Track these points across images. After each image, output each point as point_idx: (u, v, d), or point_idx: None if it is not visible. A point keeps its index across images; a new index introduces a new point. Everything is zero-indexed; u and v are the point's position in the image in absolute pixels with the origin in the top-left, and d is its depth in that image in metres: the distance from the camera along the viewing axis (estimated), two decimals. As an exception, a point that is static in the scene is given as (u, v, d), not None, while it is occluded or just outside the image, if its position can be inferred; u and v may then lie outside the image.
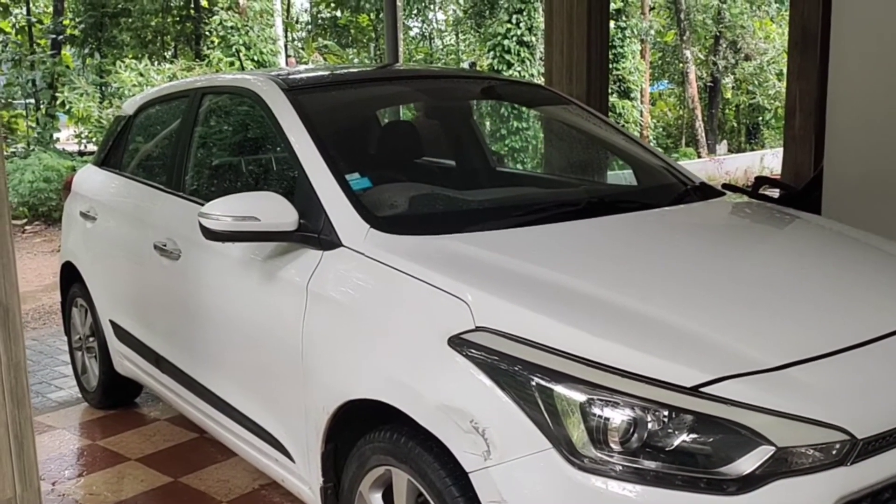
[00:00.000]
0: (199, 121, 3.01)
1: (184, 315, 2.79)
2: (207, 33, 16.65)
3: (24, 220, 11.35)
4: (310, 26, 21.64)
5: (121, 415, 3.75)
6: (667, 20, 21.12)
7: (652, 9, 19.62)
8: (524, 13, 14.13)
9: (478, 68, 17.90)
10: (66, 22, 17.29)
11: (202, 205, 2.71)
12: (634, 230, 2.32)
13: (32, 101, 17.55)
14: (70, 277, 3.89)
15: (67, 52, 18.19)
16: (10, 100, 16.67)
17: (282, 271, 2.26)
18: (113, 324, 3.45)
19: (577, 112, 3.32)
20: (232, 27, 11.70)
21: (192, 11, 17.86)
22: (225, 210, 2.20)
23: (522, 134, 11.68)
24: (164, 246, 2.87)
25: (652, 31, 18.09)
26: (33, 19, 18.26)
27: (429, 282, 1.84)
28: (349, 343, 1.99)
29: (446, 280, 1.82)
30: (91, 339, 3.79)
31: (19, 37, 18.32)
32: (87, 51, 17.10)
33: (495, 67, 14.22)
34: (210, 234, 2.22)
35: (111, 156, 3.75)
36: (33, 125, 16.85)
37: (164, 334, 3.00)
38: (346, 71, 3.63)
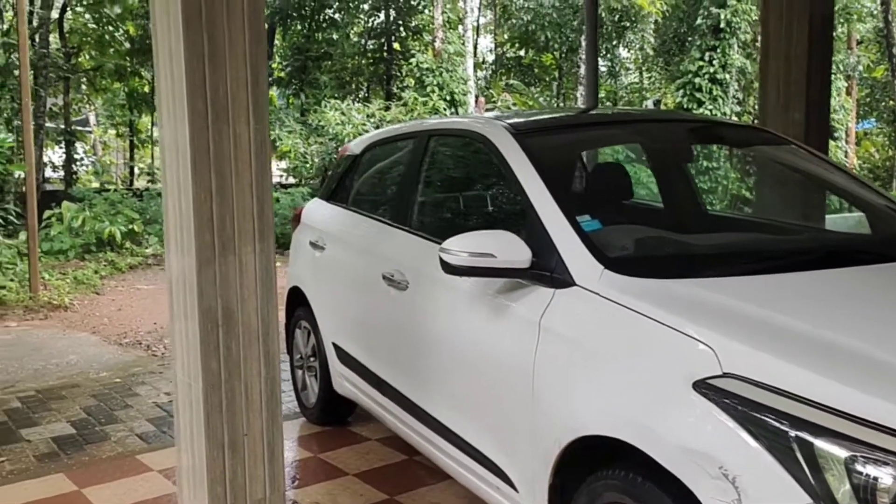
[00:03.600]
0: (427, 161, 3.22)
1: (409, 342, 2.97)
2: (398, 74, 17.65)
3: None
4: (493, 66, 22.26)
5: (336, 431, 4.03)
6: (876, 55, 19.64)
7: (859, 42, 18.36)
8: (717, 50, 13.73)
9: (662, 106, 17.55)
10: (275, 66, 18.99)
11: (430, 240, 2.91)
12: (881, 285, 2.21)
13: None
14: (295, 301, 4.26)
15: (273, 92, 19.91)
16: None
17: (513, 306, 2.37)
18: (336, 346, 3.74)
19: (801, 154, 3.21)
20: (427, 69, 12.32)
21: (385, 54, 19.03)
22: (463, 246, 2.35)
23: (713, 174, 11.28)
24: (392, 276, 3.08)
25: (860, 67, 16.90)
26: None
27: (671, 325, 1.87)
28: (584, 380, 2.05)
29: (690, 325, 1.84)
30: (312, 359, 4.11)
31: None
32: (291, 91, 18.64)
33: (684, 105, 13.89)
34: (448, 268, 2.37)
35: (338, 191, 4.09)
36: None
37: (387, 359, 3.21)
38: (565, 115, 3.73)
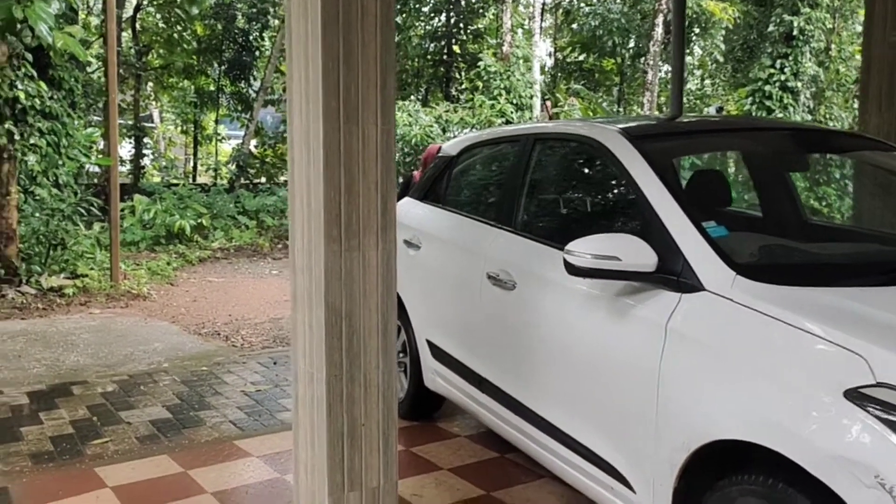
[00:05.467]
0: (532, 164, 3.26)
1: (516, 340, 3.02)
2: (457, 77, 17.73)
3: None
4: (552, 71, 22.22)
5: (423, 427, 4.10)
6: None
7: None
8: (789, 58, 13.48)
9: (724, 113, 17.27)
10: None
11: (540, 241, 2.95)
12: None
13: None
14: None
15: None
16: (284, 134, 18.90)
17: (635, 309, 2.40)
18: (430, 343, 3.80)
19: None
20: (494, 71, 12.38)
21: (445, 56, 19.14)
22: (587, 248, 2.38)
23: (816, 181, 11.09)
24: (498, 276, 3.13)
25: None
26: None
27: (816, 333, 1.88)
28: (718, 384, 2.07)
29: (839, 333, 1.84)
30: (401, 354, 4.19)
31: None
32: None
33: (753, 113, 13.67)
34: (572, 269, 2.41)
35: (433, 191, 4.16)
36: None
37: (489, 357, 3.25)
38: (675, 121, 3.73)
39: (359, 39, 2.47)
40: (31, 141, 8.53)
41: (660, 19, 14.02)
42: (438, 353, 3.72)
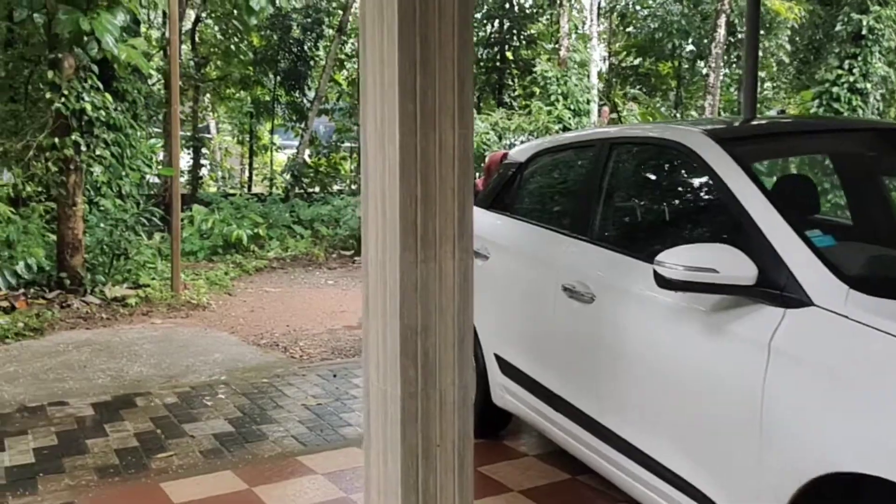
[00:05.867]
0: (609, 170, 3.11)
1: (594, 356, 2.86)
2: (510, 83, 17.58)
3: (352, 252, 12.74)
4: (607, 75, 21.93)
5: (490, 445, 3.95)
6: None
7: None
8: (858, 58, 12.97)
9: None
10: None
11: (621, 252, 2.79)
12: None
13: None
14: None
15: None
16: (338, 143, 19.00)
17: (733, 325, 2.22)
18: (498, 358, 3.66)
19: None
20: (551, 77, 12.20)
21: (498, 63, 19.03)
22: (680, 260, 2.22)
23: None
24: (574, 288, 2.98)
25: None
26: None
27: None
28: (833, 409, 1.88)
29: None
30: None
31: (350, 87, 20.92)
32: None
33: (819, 116, 13.18)
34: (663, 282, 2.25)
35: (499, 199, 4.03)
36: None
37: (564, 373, 3.10)
38: (752, 123, 3.54)
39: (436, 41, 2.36)
40: (97, 152, 8.69)
41: (722, 20, 13.65)
42: (507, 368, 3.58)
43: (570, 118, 11.40)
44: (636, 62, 21.08)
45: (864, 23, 12.89)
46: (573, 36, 13.73)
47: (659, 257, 2.26)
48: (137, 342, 6.59)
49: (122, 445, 4.00)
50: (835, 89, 13.04)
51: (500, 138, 11.28)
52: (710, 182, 2.55)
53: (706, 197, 2.74)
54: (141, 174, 9.59)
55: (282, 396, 4.92)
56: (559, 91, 11.65)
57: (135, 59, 7.55)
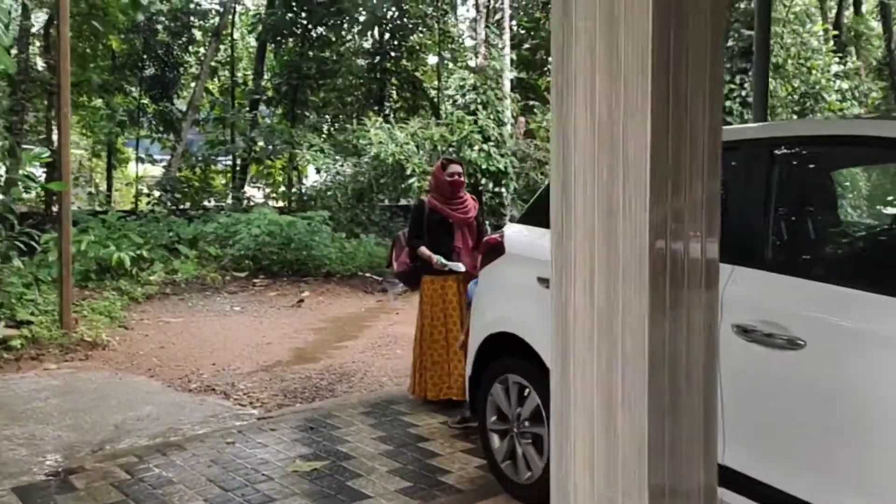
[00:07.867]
0: (777, 179, 2.52)
1: (809, 418, 2.25)
2: (392, 94, 16.91)
3: (247, 273, 11.57)
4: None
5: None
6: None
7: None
8: (749, 73, 13.37)
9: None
10: (266, 84, 18.23)
11: (829, 283, 2.22)
12: None
13: (229, 160, 18.47)
14: (494, 351, 3.52)
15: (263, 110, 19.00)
16: (214, 157, 17.52)
17: None
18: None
19: None
20: (470, 86, 11.65)
21: (377, 75, 18.32)
22: None
23: None
24: (757, 329, 2.36)
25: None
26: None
27: None
28: None
29: None
30: (528, 423, 3.35)
31: (223, 96, 19.48)
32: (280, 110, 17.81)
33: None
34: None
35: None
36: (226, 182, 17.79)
37: (747, 440, 2.46)
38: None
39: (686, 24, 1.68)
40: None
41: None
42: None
43: (493, 129, 10.87)
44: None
45: (754, 38, 13.29)
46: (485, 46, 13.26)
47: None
48: (37, 396, 5.33)
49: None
50: (727, 103, 13.41)
51: (418, 149, 10.57)
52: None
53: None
54: (21, 190, 8.06)
55: (261, 462, 3.97)
56: (479, 100, 11.12)
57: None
